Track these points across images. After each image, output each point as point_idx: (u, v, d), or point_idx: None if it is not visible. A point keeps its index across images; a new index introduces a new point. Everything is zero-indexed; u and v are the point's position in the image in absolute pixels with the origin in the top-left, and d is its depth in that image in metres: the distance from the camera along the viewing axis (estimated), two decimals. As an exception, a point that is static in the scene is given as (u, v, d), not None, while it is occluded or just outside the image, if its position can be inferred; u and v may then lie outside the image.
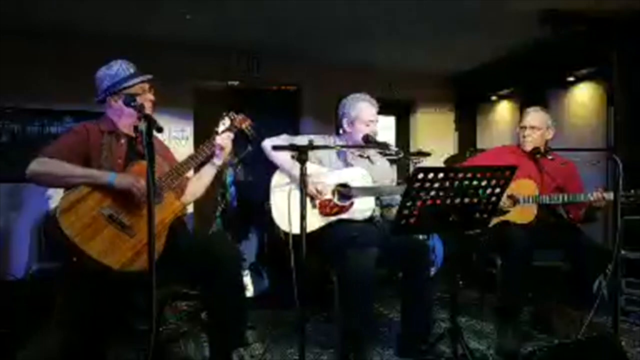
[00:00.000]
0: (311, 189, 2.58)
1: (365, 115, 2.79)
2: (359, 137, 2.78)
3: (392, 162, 4.29)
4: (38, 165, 2.12)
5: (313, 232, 2.51)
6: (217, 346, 2.30)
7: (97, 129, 2.30)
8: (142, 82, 2.33)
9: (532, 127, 3.06)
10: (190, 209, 3.72)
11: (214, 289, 2.25)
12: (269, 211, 2.65)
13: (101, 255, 2.02)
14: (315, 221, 2.60)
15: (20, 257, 4.13)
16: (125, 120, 2.32)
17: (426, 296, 2.57)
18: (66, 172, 2.11)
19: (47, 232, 3.55)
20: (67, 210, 2.03)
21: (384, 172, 2.93)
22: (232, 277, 2.30)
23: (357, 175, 2.73)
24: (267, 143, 2.70)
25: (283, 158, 2.66)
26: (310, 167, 2.48)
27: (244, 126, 2.52)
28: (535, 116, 3.09)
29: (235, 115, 2.52)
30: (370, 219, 2.75)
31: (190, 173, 2.48)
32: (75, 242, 2.00)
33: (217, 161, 2.48)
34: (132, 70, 2.33)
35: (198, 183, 2.49)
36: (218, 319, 2.28)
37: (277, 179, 2.70)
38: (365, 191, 2.69)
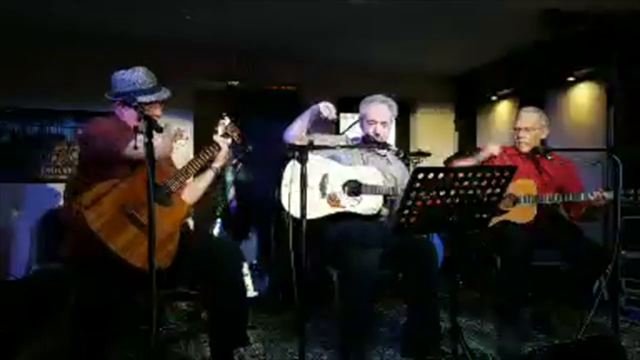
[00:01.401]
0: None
1: (371, 115, 2.82)
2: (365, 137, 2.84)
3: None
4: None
5: (318, 220, 2.57)
6: (218, 346, 2.30)
7: (113, 124, 2.30)
8: (156, 101, 2.32)
9: (526, 129, 3.07)
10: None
11: (214, 288, 2.25)
12: (279, 199, 2.66)
13: (125, 253, 2.03)
14: (324, 209, 2.65)
15: (20, 257, 4.13)
16: (131, 121, 2.31)
17: (435, 297, 2.54)
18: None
19: (51, 228, 3.52)
20: (92, 205, 2.02)
21: (402, 173, 2.92)
22: (233, 276, 2.30)
23: (370, 174, 2.74)
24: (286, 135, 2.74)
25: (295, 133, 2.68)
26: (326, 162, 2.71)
27: (234, 135, 2.56)
28: (528, 117, 3.10)
29: (228, 124, 2.55)
30: (376, 217, 2.75)
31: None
32: (100, 238, 1.99)
33: (217, 164, 2.51)
34: (147, 85, 2.30)
35: (198, 186, 2.50)
36: (219, 318, 2.28)
37: (289, 175, 2.69)
38: (374, 190, 2.70)
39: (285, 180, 2.67)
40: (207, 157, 2.43)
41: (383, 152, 2.91)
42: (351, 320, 2.46)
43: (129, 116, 2.31)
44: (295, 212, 2.49)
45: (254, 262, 3.90)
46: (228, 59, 4.82)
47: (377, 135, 2.80)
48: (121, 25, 4.14)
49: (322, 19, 4.07)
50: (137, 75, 2.29)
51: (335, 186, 2.71)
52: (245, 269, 3.58)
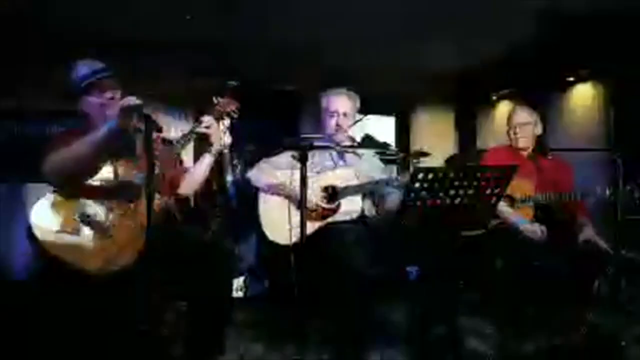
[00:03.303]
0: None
1: (331, 106, 2.78)
2: (328, 130, 2.77)
3: (391, 162, 4.30)
4: (47, 165, 2.06)
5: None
6: (194, 352, 2.25)
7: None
8: (108, 73, 2.24)
9: (522, 124, 3.10)
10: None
11: (201, 291, 2.21)
12: (258, 220, 2.63)
13: (81, 261, 1.98)
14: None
15: (20, 257, 4.13)
16: (98, 107, 2.23)
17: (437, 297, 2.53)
18: (74, 150, 2.00)
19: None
20: (40, 215, 2.01)
21: (371, 166, 2.86)
22: (220, 287, 2.27)
23: (341, 176, 2.68)
24: (251, 174, 2.72)
25: (267, 180, 2.66)
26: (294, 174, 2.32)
27: (229, 109, 2.44)
28: (523, 113, 3.14)
29: (220, 99, 2.42)
30: (361, 218, 2.70)
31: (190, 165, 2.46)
32: (48, 249, 1.97)
33: (212, 148, 2.40)
34: (99, 66, 2.25)
35: (196, 173, 2.43)
36: (199, 324, 2.23)
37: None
38: (350, 190, 2.63)
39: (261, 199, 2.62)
40: (178, 146, 2.26)
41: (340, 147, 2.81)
42: (351, 320, 2.45)
43: (95, 103, 2.22)
44: (276, 236, 2.49)
45: (254, 262, 3.89)
46: (228, 58, 4.82)
47: (339, 127, 2.74)
48: (121, 25, 4.14)
49: (323, 19, 4.07)
50: (89, 61, 2.28)
51: (312, 197, 2.57)
52: (244, 269, 3.60)
